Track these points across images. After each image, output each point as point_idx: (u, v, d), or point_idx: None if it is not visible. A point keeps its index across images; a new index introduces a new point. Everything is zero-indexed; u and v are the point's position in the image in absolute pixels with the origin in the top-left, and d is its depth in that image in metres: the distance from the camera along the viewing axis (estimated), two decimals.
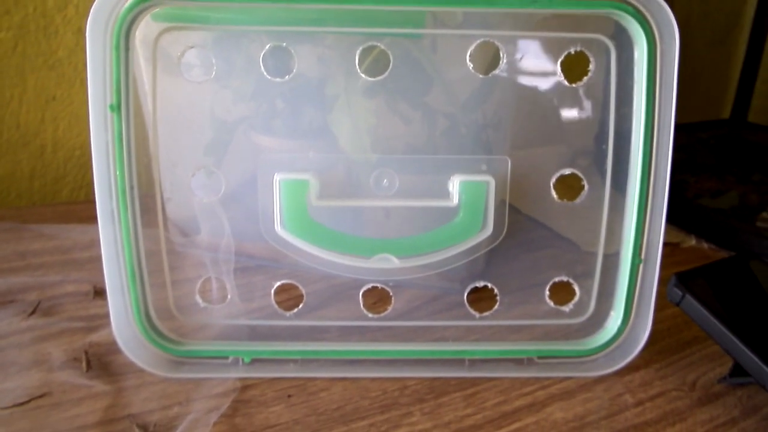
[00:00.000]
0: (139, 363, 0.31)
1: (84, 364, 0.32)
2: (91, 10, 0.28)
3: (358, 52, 0.30)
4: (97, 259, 0.43)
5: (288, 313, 0.34)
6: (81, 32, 0.58)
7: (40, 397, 0.29)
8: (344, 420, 0.29)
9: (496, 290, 0.34)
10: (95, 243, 0.46)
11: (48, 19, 0.56)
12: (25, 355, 0.32)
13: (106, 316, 0.36)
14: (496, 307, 0.34)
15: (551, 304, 0.34)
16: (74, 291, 0.40)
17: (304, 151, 0.33)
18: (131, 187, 0.30)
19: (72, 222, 0.49)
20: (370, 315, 0.33)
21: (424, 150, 0.34)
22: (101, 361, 0.33)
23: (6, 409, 0.28)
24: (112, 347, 0.33)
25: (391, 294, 0.33)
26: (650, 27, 0.29)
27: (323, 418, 0.29)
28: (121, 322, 0.31)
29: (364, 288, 0.33)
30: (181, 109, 0.35)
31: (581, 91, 0.32)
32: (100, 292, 0.39)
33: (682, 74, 0.30)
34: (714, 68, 0.90)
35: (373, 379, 0.32)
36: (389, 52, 0.30)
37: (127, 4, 0.28)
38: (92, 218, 0.49)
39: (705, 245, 0.51)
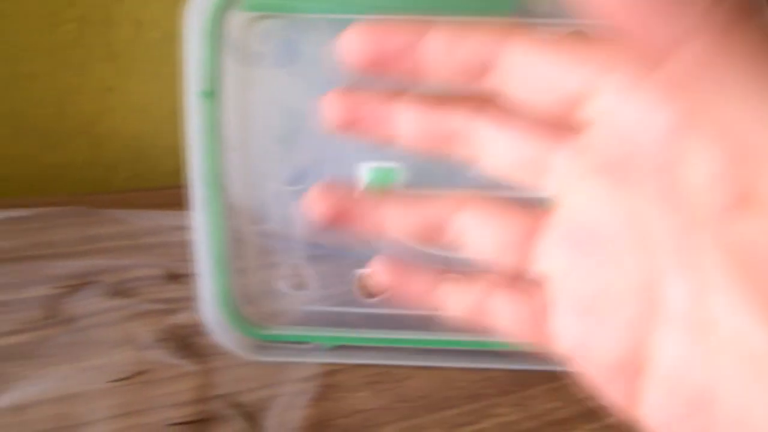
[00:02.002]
0: (223, 344, 0.32)
1: (172, 345, 0.32)
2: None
3: None
4: (164, 245, 0.44)
5: (369, 301, 0.34)
6: (139, 24, 0.58)
7: (139, 374, 0.30)
8: (433, 408, 0.29)
9: None
10: (161, 229, 0.47)
11: (108, 11, 0.57)
12: (113, 333, 0.33)
13: (183, 300, 0.37)
14: None
15: None
16: (147, 275, 0.40)
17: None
18: (220, 174, 0.31)
19: (133, 207, 0.50)
20: None
21: None
22: (185, 343, 0.33)
23: (111, 383, 0.28)
24: (194, 329, 0.34)
25: None
26: None
27: (411, 406, 0.29)
28: (207, 304, 0.32)
29: None
30: (261, 96, 0.36)
31: None
32: (172, 277, 0.40)
33: None
34: None
35: (457, 369, 0.32)
36: None
37: None
38: (151, 205, 0.50)
39: None
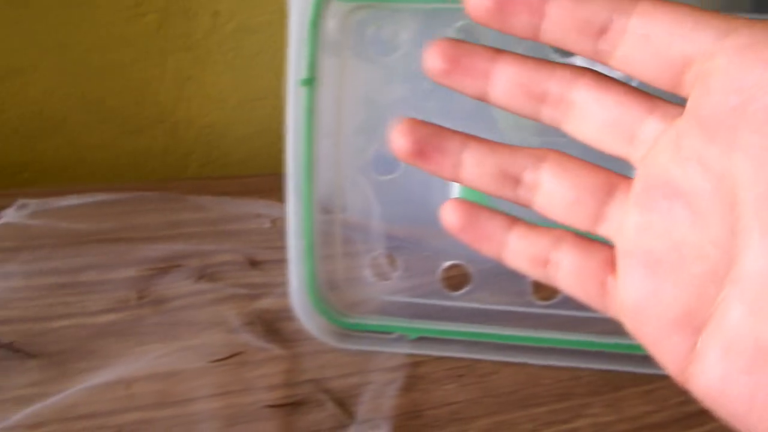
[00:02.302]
0: (311, 330, 0.32)
1: (260, 329, 0.33)
2: None
3: None
4: (244, 232, 0.45)
5: (454, 294, 0.34)
6: (216, 15, 0.60)
7: (233, 355, 0.30)
8: (523, 404, 0.29)
9: None
10: (240, 216, 0.48)
11: (187, 2, 0.58)
12: (203, 315, 0.34)
13: (266, 285, 0.38)
14: None
15: None
16: (230, 260, 0.41)
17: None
18: (315, 161, 0.31)
19: (208, 194, 0.51)
20: (538, 302, 0.33)
21: None
22: (272, 327, 0.34)
23: (210, 363, 0.29)
24: (280, 314, 0.35)
25: None
26: None
27: (500, 401, 0.29)
28: (297, 291, 0.32)
29: None
30: (348, 87, 0.36)
31: None
32: (254, 263, 0.41)
33: None
34: None
35: (542, 367, 0.32)
36: None
37: None
38: (228, 193, 0.52)
39: None
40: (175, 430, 0.26)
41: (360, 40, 0.32)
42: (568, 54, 0.31)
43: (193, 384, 0.28)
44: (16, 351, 0.30)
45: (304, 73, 0.30)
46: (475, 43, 0.18)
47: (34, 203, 0.43)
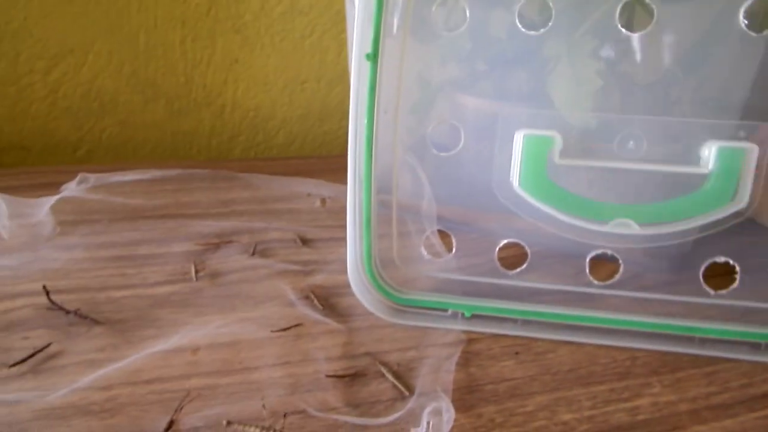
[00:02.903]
0: (367, 305, 0.33)
1: (317, 303, 0.33)
2: None
3: (619, 7, 0.29)
4: (294, 211, 0.46)
5: (510, 272, 0.33)
6: None
7: (295, 326, 0.31)
8: (582, 382, 0.29)
9: (737, 267, 0.32)
10: (291, 195, 0.48)
11: None
12: (260, 289, 0.34)
13: (317, 262, 0.38)
14: (734, 285, 0.32)
15: None
16: (280, 237, 0.42)
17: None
18: (376, 137, 0.31)
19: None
20: (595, 282, 0.33)
21: (665, 109, 0.33)
22: (328, 302, 0.34)
23: (273, 332, 0.30)
24: (334, 290, 0.35)
25: (620, 261, 0.32)
26: None
27: (558, 378, 0.29)
28: (354, 267, 0.32)
29: (593, 253, 0.32)
30: (404, 65, 0.36)
31: None
32: (305, 241, 0.41)
33: None
34: None
35: (599, 347, 0.31)
36: (654, 6, 0.29)
37: None
38: (275, 173, 0.52)
39: None
40: (239, 395, 0.26)
41: (422, 16, 0.32)
42: (632, 28, 0.30)
43: (254, 353, 0.29)
44: (83, 318, 0.31)
45: (368, 48, 0.30)
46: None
47: (93, 177, 0.44)
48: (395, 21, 0.31)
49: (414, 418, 0.25)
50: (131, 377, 0.27)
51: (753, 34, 0.29)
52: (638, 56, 0.32)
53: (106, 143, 0.61)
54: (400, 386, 0.27)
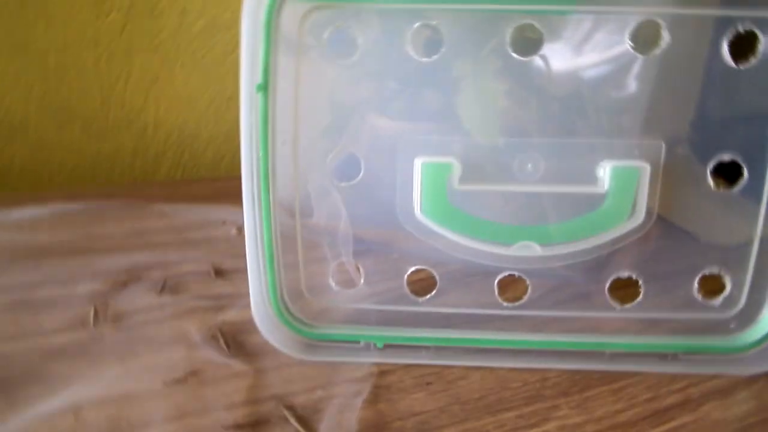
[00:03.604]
0: (275, 344, 0.32)
1: (222, 343, 0.32)
2: None
3: (511, 30, 0.29)
4: (210, 240, 0.44)
5: (420, 299, 0.33)
6: (184, 13, 0.58)
7: (192, 374, 0.29)
8: (490, 410, 0.28)
9: (640, 281, 0.32)
10: (206, 223, 0.47)
11: (153, 1, 0.57)
12: (164, 330, 0.33)
13: (230, 296, 0.37)
14: (639, 299, 0.32)
15: (699, 297, 0.32)
16: (194, 270, 0.40)
17: (424, 134, 0.32)
18: (272, 168, 0.30)
19: (175, 199, 0.50)
20: (505, 303, 0.32)
21: (562, 131, 0.33)
22: (236, 341, 0.33)
23: (166, 384, 0.28)
24: (244, 327, 0.34)
25: (528, 282, 0.32)
26: None
27: (468, 408, 0.28)
28: (258, 302, 0.31)
29: (500, 276, 0.32)
30: (311, 89, 0.35)
31: (747, 74, 0.29)
32: (219, 272, 0.40)
33: None
34: None
35: (511, 370, 0.31)
36: (543, 31, 0.29)
37: None
38: (197, 198, 0.50)
39: None
40: None
41: (318, 41, 0.31)
42: (527, 54, 0.30)
43: (146, 408, 0.27)
44: None
45: (258, 79, 0.29)
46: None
47: None
48: (287, 48, 0.30)
49: None
50: None
51: (640, 56, 0.29)
52: (536, 78, 0.32)
53: (18, 169, 0.58)
54: (302, 431, 0.27)
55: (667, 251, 0.33)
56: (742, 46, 0.29)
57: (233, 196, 0.49)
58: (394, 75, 0.34)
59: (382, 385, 0.30)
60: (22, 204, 0.45)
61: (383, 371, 0.31)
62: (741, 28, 0.28)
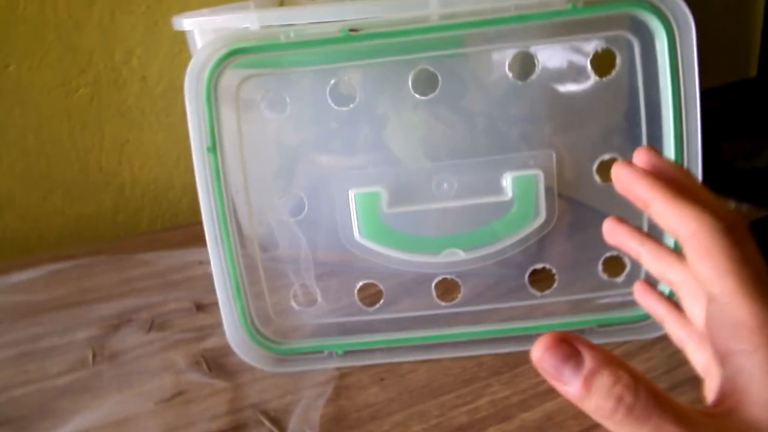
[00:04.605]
0: (249, 361, 0.37)
1: (205, 367, 0.37)
2: (187, 70, 0.33)
3: (411, 75, 0.35)
4: (190, 279, 0.50)
5: (371, 309, 0.38)
6: (144, 80, 0.64)
7: (179, 394, 0.34)
8: (433, 395, 0.33)
9: (554, 270, 0.37)
10: (185, 265, 0.52)
11: (116, 72, 0.63)
12: (154, 362, 0.38)
13: (211, 326, 0.42)
14: (554, 285, 0.37)
15: (605, 277, 0.37)
16: (177, 308, 0.45)
17: (363, 166, 0.38)
18: (230, 213, 0.36)
19: (157, 248, 0.55)
20: (442, 303, 0.38)
21: (471, 150, 0.39)
22: (217, 363, 0.38)
23: (157, 404, 0.33)
24: (223, 351, 0.39)
25: (459, 283, 0.38)
26: (667, 19, 0.33)
27: (415, 395, 0.34)
28: (232, 328, 0.36)
29: (435, 280, 0.38)
30: (255, 142, 0.41)
31: (611, 84, 0.35)
32: (200, 307, 0.45)
33: (706, 38, 0.33)
34: (736, 28, 0.91)
35: (453, 359, 0.36)
36: (437, 73, 0.35)
37: (214, 60, 0.33)
38: (176, 244, 0.56)
39: (744, 207, 0.53)
40: None
41: (254, 102, 0.37)
42: (428, 93, 0.36)
43: (140, 426, 0.32)
44: None
45: (207, 142, 0.34)
46: None
47: None
48: (229, 111, 0.36)
49: None
50: None
51: (519, 82, 0.35)
52: (446, 108, 0.38)
53: (9, 238, 0.63)
54: (275, 430, 0.32)
55: (572, 242, 0.39)
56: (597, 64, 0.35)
57: None
58: (330, 116, 0.40)
59: (342, 385, 0.35)
60: (16, 269, 0.50)
61: (344, 374, 0.36)
62: (599, 49, 0.34)
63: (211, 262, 0.35)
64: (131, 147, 0.66)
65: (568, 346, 0.19)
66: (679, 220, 0.21)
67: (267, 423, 0.32)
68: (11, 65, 0.58)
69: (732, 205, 0.54)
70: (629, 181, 0.23)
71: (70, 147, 0.63)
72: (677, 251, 0.25)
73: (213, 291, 0.47)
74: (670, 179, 0.23)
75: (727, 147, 0.63)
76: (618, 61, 0.35)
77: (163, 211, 0.70)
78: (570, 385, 0.18)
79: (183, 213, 0.71)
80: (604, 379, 0.18)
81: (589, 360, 0.18)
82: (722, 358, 0.20)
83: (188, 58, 0.64)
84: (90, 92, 0.62)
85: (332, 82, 0.35)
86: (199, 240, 0.55)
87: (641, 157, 0.24)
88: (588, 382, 0.18)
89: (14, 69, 0.58)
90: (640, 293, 0.29)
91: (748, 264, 0.20)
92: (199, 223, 0.66)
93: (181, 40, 0.64)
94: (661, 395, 0.18)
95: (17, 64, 0.58)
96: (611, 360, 0.18)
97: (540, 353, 0.19)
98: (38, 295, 0.48)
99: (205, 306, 0.45)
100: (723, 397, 0.20)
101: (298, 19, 0.34)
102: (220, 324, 0.42)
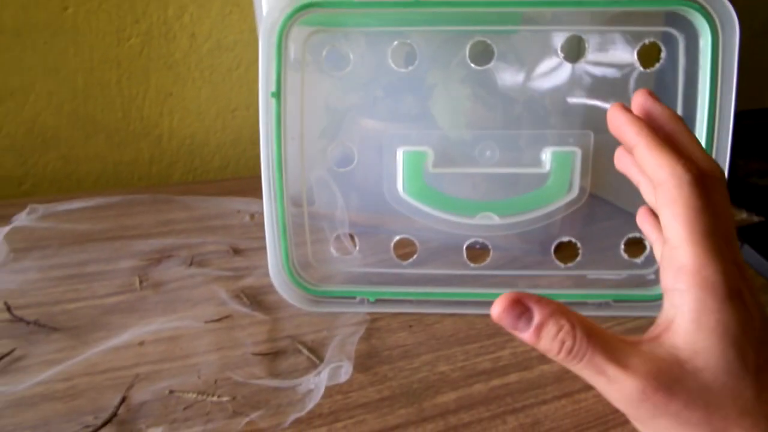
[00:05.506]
0: (289, 299, 0.39)
1: (246, 300, 0.40)
2: (264, 19, 0.35)
3: (468, 46, 0.37)
4: (227, 227, 0.52)
5: (404, 263, 0.41)
6: (194, 36, 0.66)
7: (226, 318, 0.37)
8: (459, 343, 0.36)
9: (579, 245, 0.40)
10: (223, 213, 0.54)
11: (168, 26, 0.65)
12: (197, 293, 0.41)
13: (248, 268, 0.44)
14: (578, 259, 0.40)
15: (625, 256, 0.40)
16: (215, 250, 0.48)
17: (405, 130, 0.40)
18: (284, 161, 0.38)
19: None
20: (471, 265, 0.40)
21: (514, 124, 0.41)
22: (255, 299, 0.40)
23: (206, 323, 0.36)
24: (261, 290, 0.41)
25: (490, 248, 0.40)
26: (713, 20, 0.35)
27: (442, 341, 0.36)
28: (275, 268, 0.39)
29: (467, 243, 0.40)
30: (310, 97, 0.43)
31: (654, 76, 0.38)
32: (237, 251, 0.48)
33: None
34: (757, 60, 0.94)
35: (477, 316, 0.39)
36: (494, 46, 0.37)
37: (288, 11, 0.35)
38: (212, 194, 0.58)
39: (755, 218, 0.56)
40: (180, 375, 0.32)
41: (318, 58, 0.39)
42: (484, 64, 0.38)
43: (192, 343, 0.35)
44: (42, 326, 0.37)
45: (272, 87, 0.37)
46: None
47: (42, 208, 0.49)
48: (293, 64, 0.38)
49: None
50: (88, 369, 0.33)
51: (569, 64, 0.37)
52: (493, 84, 0.40)
53: (50, 176, 0.66)
54: (313, 357, 0.34)
55: (599, 220, 0.41)
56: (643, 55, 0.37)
57: (242, 192, 0.58)
58: (379, 84, 0.42)
59: (373, 328, 0.38)
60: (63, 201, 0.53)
61: (374, 318, 0.39)
62: (647, 41, 0.37)
63: (264, 204, 0.38)
64: (173, 100, 0.68)
65: (521, 305, 0.23)
66: (654, 168, 0.23)
67: (305, 351, 0.35)
68: (70, 7, 0.60)
69: (744, 214, 0.56)
70: (620, 124, 0.25)
71: (116, 93, 0.65)
72: None
73: (249, 238, 0.49)
74: (660, 126, 0.25)
75: (742, 165, 0.66)
76: (663, 54, 0.37)
77: (195, 166, 0.72)
78: (524, 333, 0.23)
79: (214, 170, 0.73)
80: (549, 328, 0.23)
81: (537, 314, 0.23)
82: (665, 294, 0.23)
83: (237, 19, 0.67)
84: (141, 42, 0.64)
85: (395, 43, 0.37)
86: (232, 194, 0.58)
87: (638, 100, 0.26)
88: (537, 331, 0.23)
89: (72, 11, 0.61)
90: (640, 216, 0.31)
91: (705, 213, 0.22)
92: (231, 179, 0.69)
93: (232, 1, 0.66)
94: (596, 335, 0.22)
95: (75, 7, 0.61)
96: (555, 311, 0.22)
97: (498, 312, 0.24)
98: (83, 225, 0.50)
99: (242, 251, 0.48)
100: (657, 327, 0.23)
101: None
102: (257, 267, 0.45)
